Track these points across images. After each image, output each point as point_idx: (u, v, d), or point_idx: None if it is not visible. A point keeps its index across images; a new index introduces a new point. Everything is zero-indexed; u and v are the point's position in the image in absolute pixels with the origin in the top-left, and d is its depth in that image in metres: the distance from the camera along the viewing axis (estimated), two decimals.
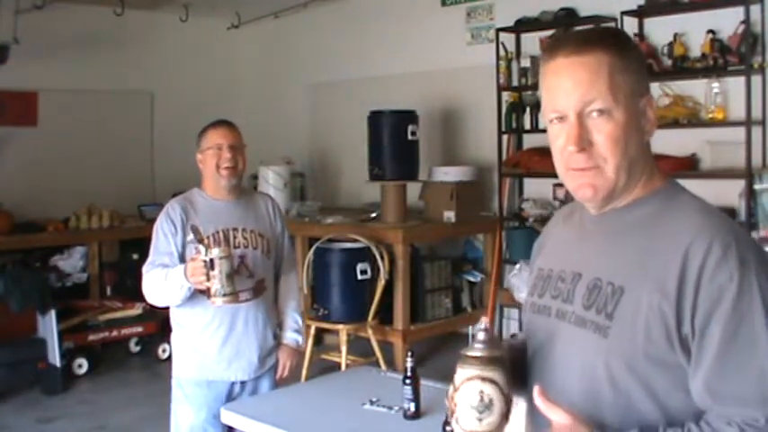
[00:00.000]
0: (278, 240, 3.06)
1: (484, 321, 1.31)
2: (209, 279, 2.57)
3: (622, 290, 1.24)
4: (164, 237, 2.82)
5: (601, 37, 1.30)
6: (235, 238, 2.87)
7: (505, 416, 1.26)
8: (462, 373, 1.28)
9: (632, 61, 1.28)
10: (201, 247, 2.60)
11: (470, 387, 1.26)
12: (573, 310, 1.31)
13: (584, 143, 1.26)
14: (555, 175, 1.37)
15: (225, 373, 2.87)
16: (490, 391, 1.25)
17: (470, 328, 5.96)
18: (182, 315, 2.87)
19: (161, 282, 2.73)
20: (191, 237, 2.75)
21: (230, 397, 2.89)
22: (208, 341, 2.85)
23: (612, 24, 5.38)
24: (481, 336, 1.30)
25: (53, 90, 6.81)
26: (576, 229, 1.40)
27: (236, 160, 2.89)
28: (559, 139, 1.29)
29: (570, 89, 1.26)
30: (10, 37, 5.90)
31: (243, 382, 2.91)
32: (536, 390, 1.23)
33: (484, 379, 1.25)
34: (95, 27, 6.91)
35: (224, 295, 2.60)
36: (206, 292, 2.66)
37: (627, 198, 1.31)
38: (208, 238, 2.76)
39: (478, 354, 1.27)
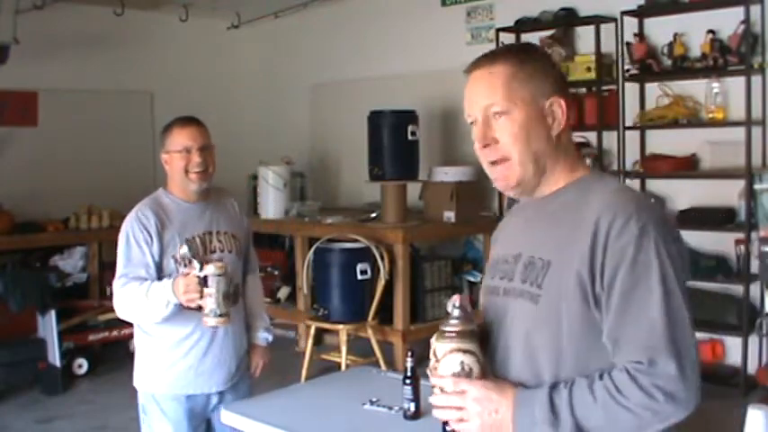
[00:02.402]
0: (246, 240, 2.96)
1: (457, 299, 1.51)
2: (201, 297, 2.44)
3: (549, 263, 1.46)
4: (137, 247, 2.62)
5: (503, 53, 1.55)
6: (210, 242, 2.74)
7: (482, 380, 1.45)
8: (443, 346, 1.45)
9: (533, 70, 1.51)
10: (196, 263, 2.48)
11: (452, 359, 1.44)
12: (514, 286, 1.52)
13: (488, 140, 1.51)
14: None
15: (205, 385, 2.75)
16: (469, 360, 1.44)
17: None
18: (154, 326, 2.68)
19: (140, 298, 2.55)
20: (184, 250, 2.60)
21: (208, 407, 2.79)
22: (187, 354, 2.70)
23: (612, 25, 5.41)
24: (456, 312, 1.48)
25: (53, 90, 6.81)
26: (522, 217, 1.63)
27: (206, 164, 2.70)
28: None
29: (476, 97, 1.53)
30: (10, 37, 5.90)
31: (220, 392, 2.80)
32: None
33: (463, 351, 1.44)
34: (95, 27, 6.91)
35: (219, 315, 2.46)
36: (196, 310, 2.52)
37: (553, 186, 1.53)
38: (188, 241, 2.66)
39: (456, 328, 1.46)
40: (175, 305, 2.52)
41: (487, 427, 1.43)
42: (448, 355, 1.43)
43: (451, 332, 1.45)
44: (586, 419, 1.35)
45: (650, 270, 1.36)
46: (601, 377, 1.37)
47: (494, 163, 1.52)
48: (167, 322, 2.64)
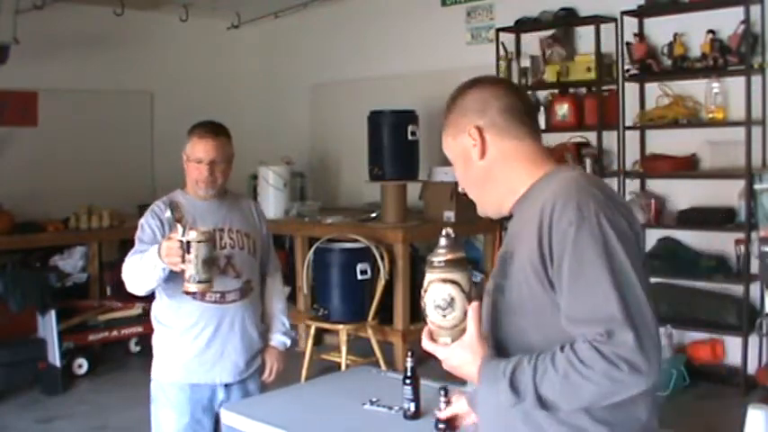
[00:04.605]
0: (263, 242, 3.00)
1: (447, 230, 1.54)
2: (183, 261, 2.44)
3: (512, 255, 1.53)
4: (149, 230, 2.76)
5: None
6: (221, 238, 2.79)
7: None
8: (428, 276, 1.49)
9: (452, 114, 1.72)
10: (179, 227, 2.50)
11: (435, 288, 1.47)
12: (496, 282, 1.59)
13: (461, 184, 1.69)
14: None
15: (208, 375, 2.78)
16: (452, 290, 1.47)
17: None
18: (165, 314, 2.81)
19: (136, 263, 2.64)
20: (168, 214, 2.69)
21: (214, 401, 2.81)
22: (191, 343, 2.76)
23: (612, 25, 5.42)
24: (443, 241, 1.50)
25: (53, 90, 6.81)
26: None
27: (214, 176, 2.80)
28: None
29: None
30: (10, 37, 5.89)
31: (227, 385, 2.82)
32: (474, 306, 1.50)
33: (445, 280, 1.47)
34: (95, 27, 6.91)
35: (198, 282, 2.44)
36: (182, 276, 2.53)
37: (514, 196, 1.60)
38: (172, 204, 2.74)
39: (441, 258, 1.48)
40: (164, 270, 2.55)
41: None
42: (431, 285, 1.47)
43: (437, 261, 1.48)
44: (549, 392, 1.38)
45: (594, 246, 1.38)
46: (562, 349, 1.38)
47: None
48: (175, 310, 2.75)
